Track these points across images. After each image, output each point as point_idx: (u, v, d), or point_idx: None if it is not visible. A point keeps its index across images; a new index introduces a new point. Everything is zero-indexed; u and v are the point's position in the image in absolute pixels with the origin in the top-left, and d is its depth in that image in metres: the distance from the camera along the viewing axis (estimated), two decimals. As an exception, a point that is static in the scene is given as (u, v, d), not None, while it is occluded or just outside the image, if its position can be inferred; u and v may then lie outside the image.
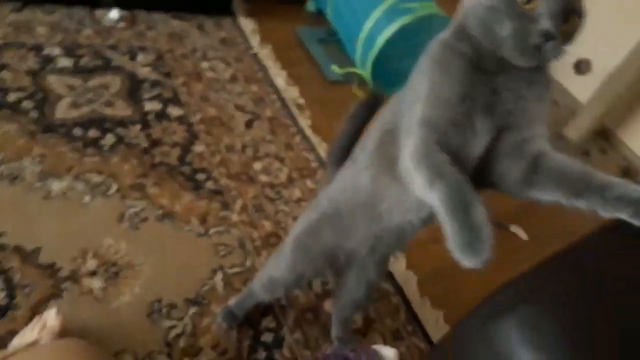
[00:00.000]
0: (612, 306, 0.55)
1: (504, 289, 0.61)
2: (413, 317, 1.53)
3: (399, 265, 1.64)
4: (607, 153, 2.65)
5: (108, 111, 1.76)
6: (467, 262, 0.61)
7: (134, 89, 1.89)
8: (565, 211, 0.74)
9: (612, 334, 0.51)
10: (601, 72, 2.47)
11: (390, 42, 2.13)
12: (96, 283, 1.31)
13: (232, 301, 1.34)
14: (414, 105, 0.77)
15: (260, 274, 1.25)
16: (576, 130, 2.59)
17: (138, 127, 1.75)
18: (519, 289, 0.59)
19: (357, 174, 0.95)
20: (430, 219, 0.90)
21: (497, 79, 0.74)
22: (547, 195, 0.75)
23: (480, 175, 0.78)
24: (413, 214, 0.89)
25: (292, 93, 2.15)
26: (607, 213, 0.68)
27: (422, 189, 0.70)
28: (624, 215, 0.66)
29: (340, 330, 1.36)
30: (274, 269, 1.18)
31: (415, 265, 1.66)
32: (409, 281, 1.62)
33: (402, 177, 0.77)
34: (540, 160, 0.76)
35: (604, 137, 2.74)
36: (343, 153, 1.12)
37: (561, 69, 2.63)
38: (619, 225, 0.65)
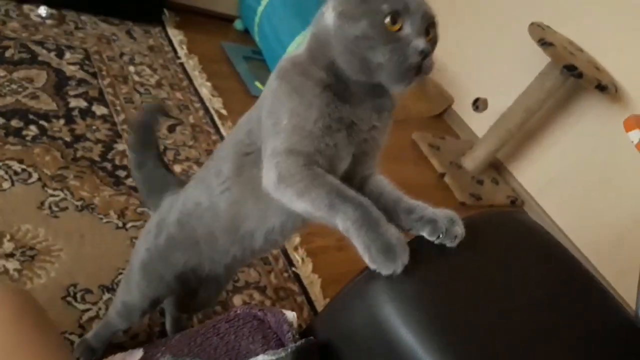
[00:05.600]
0: (460, 268, 0.71)
1: None
2: (315, 316, 1.67)
3: (305, 268, 1.77)
4: (498, 184, 2.94)
5: (32, 103, 1.79)
6: (385, 270, 0.67)
7: (59, 85, 1.93)
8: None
9: (457, 290, 0.66)
10: (496, 111, 2.76)
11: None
12: (12, 265, 1.34)
13: (89, 333, 1.25)
14: (275, 133, 0.76)
15: (114, 301, 1.19)
16: (472, 161, 2.86)
17: (62, 121, 1.79)
18: None
19: (213, 198, 0.92)
20: (290, 234, 0.93)
21: (354, 109, 0.77)
22: None
23: None
24: (277, 234, 0.89)
25: (215, 103, 2.26)
26: (413, 231, 0.77)
27: (317, 213, 0.72)
28: (424, 233, 0.76)
29: (174, 327, 1.35)
30: (126, 295, 1.12)
31: (320, 268, 1.80)
32: (314, 283, 1.75)
33: (274, 201, 0.77)
34: (366, 182, 0.84)
35: (496, 169, 3.05)
36: (155, 176, 1.15)
37: (463, 106, 2.95)
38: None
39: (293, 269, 1.76)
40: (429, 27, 0.73)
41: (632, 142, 1.26)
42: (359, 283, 0.75)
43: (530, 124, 2.77)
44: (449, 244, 0.75)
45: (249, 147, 0.85)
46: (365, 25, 0.70)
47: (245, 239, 0.92)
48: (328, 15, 0.76)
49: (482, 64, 3.03)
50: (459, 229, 0.76)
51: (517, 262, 0.80)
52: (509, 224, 0.83)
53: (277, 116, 0.77)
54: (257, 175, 0.80)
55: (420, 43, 0.70)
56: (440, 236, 0.74)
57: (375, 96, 0.80)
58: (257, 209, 0.87)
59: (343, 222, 0.69)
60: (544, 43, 2.36)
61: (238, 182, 0.88)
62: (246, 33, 2.89)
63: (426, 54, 0.70)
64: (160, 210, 1.09)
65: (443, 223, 0.75)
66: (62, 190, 1.58)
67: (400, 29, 0.70)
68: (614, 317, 0.85)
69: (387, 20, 0.69)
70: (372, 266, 0.67)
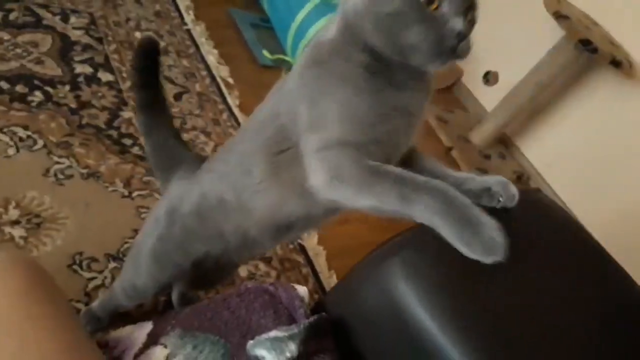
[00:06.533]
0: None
1: (392, 238, 0.75)
2: (320, 288, 1.67)
3: (310, 240, 1.77)
4: (505, 159, 2.91)
5: (37, 69, 1.76)
6: (489, 261, 0.62)
7: (65, 50, 1.90)
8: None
9: (474, 270, 0.64)
10: (506, 85, 2.72)
11: (319, 34, 2.26)
12: (17, 232, 1.33)
13: (94, 303, 1.24)
14: (321, 126, 0.71)
15: (121, 280, 1.15)
16: (480, 135, 2.83)
17: (67, 87, 1.77)
18: (404, 238, 0.73)
19: (243, 197, 0.86)
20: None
21: (407, 96, 0.73)
22: None
23: None
24: (318, 222, 0.88)
25: (222, 72, 2.22)
26: None
27: (386, 207, 0.66)
28: (483, 202, 0.73)
29: (181, 300, 1.34)
30: (136, 278, 1.07)
31: (325, 241, 1.79)
32: (319, 255, 1.75)
33: (320, 194, 0.72)
34: (410, 160, 0.80)
35: (504, 144, 3.01)
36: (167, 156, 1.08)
37: (473, 79, 2.88)
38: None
39: (299, 240, 1.75)
40: (468, 8, 0.67)
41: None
42: (373, 261, 0.74)
43: (540, 99, 2.72)
44: (510, 204, 0.74)
45: (282, 144, 0.78)
46: (399, 2, 0.65)
47: (281, 230, 0.88)
48: None
49: (494, 37, 2.96)
50: (514, 189, 0.75)
51: (537, 243, 0.79)
52: (528, 204, 0.82)
53: (321, 108, 0.71)
54: (297, 174, 0.74)
55: (457, 24, 0.65)
56: (501, 200, 0.73)
57: (421, 80, 0.75)
58: (300, 206, 0.81)
59: (423, 214, 0.64)
60: (559, 16, 2.31)
61: (276, 184, 0.81)
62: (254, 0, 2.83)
63: (463, 36, 0.66)
64: (169, 197, 1.02)
65: (498, 188, 0.74)
66: (67, 157, 1.56)
67: (437, 8, 0.65)
68: (633, 298, 0.84)
69: None
70: (472, 256, 0.62)
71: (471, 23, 0.69)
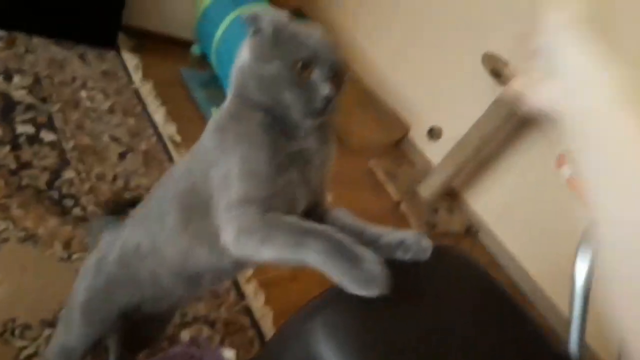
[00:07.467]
0: (396, 305, 0.72)
1: (317, 297, 0.76)
2: (265, 350, 1.64)
3: (257, 301, 1.74)
4: (453, 212, 2.97)
5: (-24, 129, 1.74)
6: (372, 293, 0.66)
7: (6, 110, 1.88)
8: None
9: (395, 328, 0.66)
10: (451, 139, 2.81)
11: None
12: (-54, 300, 1.28)
13: None
14: (227, 185, 0.75)
15: (52, 343, 1.14)
16: (428, 189, 2.89)
17: (7, 148, 1.74)
18: (327, 296, 0.75)
19: (157, 244, 0.90)
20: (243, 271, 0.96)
21: (301, 144, 0.79)
22: None
23: None
24: (229, 274, 0.94)
25: (169, 130, 2.23)
26: (384, 256, 0.73)
27: (286, 256, 0.70)
28: (397, 255, 0.79)
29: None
30: (66, 337, 1.08)
31: (272, 301, 1.77)
32: (266, 316, 1.72)
33: (232, 251, 0.75)
34: (324, 215, 0.85)
35: (451, 197, 3.08)
36: None
37: (419, 134, 2.96)
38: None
39: (244, 302, 1.72)
40: (335, 75, 0.78)
41: (564, 177, 1.30)
42: (296, 322, 0.75)
43: (484, 152, 2.81)
44: (423, 257, 0.79)
45: (194, 199, 0.83)
46: (277, 67, 0.76)
47: (193, 280, 0.91)
48: (244, 55, 0.81)
49: (437, 94, 3.08)
50: (426, 242, 0.80)
51: (452, 298, 0.82)
52: (446, 259, 0.85)
53: (226, 168, 0.76)
54: (206, 227, 0.79)
55: (324, 89, 0.75)
56: (411, 253, 0.78)
57: (318, 129, 0.81)
58: (209, 255, 0.85)
59: (314, 257, 0.68)
60: (495, 73, 2.42)
61: (186, 233, 0.86)
62: (204, 58, 2.87)
63: (330, 99, 0.75)
64: (98, 249, 1.05)
65: (411, 241, 0.79)
66: (4, 220, 1.52)
67: (309, 75, 0.76)
68: (546, 353, 0.87)
69: (299, 66, 0.75)
70: (358, 292, 0.67)
71: (338, 86, 0.79)
